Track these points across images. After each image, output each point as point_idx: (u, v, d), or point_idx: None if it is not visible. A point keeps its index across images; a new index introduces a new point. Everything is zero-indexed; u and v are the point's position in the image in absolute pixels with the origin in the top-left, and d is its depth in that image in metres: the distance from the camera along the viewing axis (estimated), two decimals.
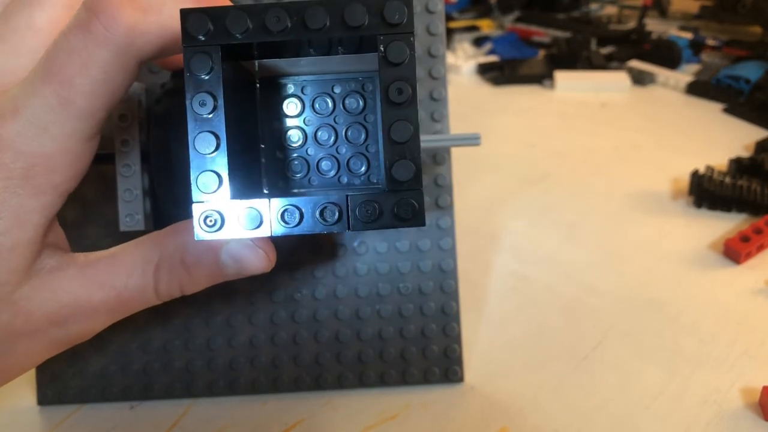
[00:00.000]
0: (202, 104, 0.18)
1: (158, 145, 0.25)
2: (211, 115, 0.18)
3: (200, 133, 0.18)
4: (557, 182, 0.51)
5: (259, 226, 0.18)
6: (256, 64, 0.22)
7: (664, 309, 0.38)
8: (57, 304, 0.20)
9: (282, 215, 0.18)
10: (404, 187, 0.17)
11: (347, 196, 0.18)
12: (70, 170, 0.20)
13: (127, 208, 0.27)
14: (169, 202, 0.25)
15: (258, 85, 0.23)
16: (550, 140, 0.57)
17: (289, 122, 0.23)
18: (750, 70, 0.63)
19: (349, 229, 0.18)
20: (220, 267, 0.21)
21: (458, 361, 0.32)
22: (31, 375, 0.33)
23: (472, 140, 0.29)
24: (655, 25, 0.78)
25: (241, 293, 0.32)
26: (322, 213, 0.18)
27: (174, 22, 0.19)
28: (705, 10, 0.77)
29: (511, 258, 0.42)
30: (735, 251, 0.41)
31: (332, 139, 0.23)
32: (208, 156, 0.18)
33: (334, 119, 0.23)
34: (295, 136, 0.23)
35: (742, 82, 0.62)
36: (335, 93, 0.23)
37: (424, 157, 0.32)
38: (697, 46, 0.72)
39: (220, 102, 0.18)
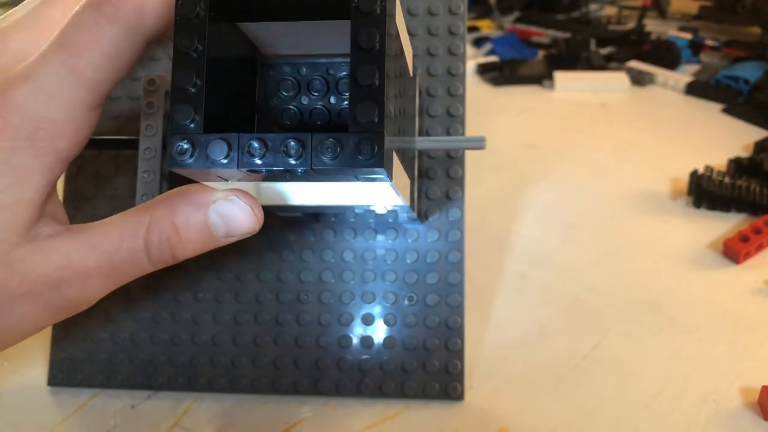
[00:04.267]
0: (186, 46, 0.19)
1: None
2: (194, 55, 0.19)
3: (182, 69, 0.19)
4: (557, 182, 0.51)
5: (227, 158, 0.18)
6: (252, 38, 0.23)
7: (663, 309, 0.38)
8: (52, 266, 0.21)
9: (249, 148, 0.18)
10: (366, 128, 0.18)
11: (311, 134, 0.18)
12: (73, 137, 0.21)
13: (144, 187, 0.29)
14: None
15: (256, 65, 0.24)
16: (549, 140, 0.57)
17: (286, 102, 0.24)
18: (749, 71, 0.63)
19: (311, 167, 0.18)
20: (209, 227, 0.22)
21: (459, 377, 0.32)
22: (45, 356, 0.33)
23: (476, 143, 0.29)
24: (654, 26, 0.78)
25: (250, 292, 0.33)
26: (286, 148, 0.18)
27: None
28: (704, 10, 0.77)
29: (511, 258, 0.42)
30: (734, 251, 0.41)
31: (327, 119, 0.24)
32: (188, 89, 0.19)
33: (329, 100, 0.24)
34: (291, 116, 0.24)
35: (741, 82, 0.63)
36: (329, 75, 0.24)
37: (434, 154, 0.33)
38: (696, 47, 0.72)
39: (204, 47, 0.19)
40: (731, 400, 0.32)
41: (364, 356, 0.32)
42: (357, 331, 0.32)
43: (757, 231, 0.42)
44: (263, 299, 0.33)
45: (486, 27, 0.81)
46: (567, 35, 0.75)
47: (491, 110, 0.63)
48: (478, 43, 0.77)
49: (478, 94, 0.67)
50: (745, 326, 0.36)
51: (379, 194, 0.25)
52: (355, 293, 0.33)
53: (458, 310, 0.32)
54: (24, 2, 0.23)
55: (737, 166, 0.49)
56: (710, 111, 0.61)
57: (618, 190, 0.49)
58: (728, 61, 0.68)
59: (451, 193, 0.33)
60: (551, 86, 0.67)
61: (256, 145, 0.18)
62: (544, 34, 0.78)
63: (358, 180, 0.20)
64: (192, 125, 0.19)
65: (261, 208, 0.23)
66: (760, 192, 0.45)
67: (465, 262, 0.32)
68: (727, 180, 0.46)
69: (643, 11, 0.76)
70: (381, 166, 0.18)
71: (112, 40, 0.20)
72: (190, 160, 0.19)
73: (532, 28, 0.80)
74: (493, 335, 0.36)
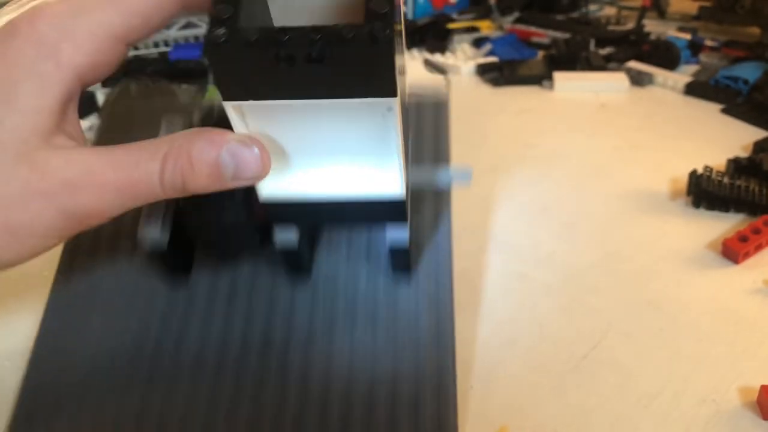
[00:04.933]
0: None
1: None
2: None
3: None
4: (556, 182, 0.51)
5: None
6: None
7: (663, 309, 0.38)
8: (71, 170, 0.22)
9: (276, 33, 0.21)
10: (379, 17, 0.21)
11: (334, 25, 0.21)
12: (91, 57, 0.23)
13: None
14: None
15: None
16: (549, 141, 0.57)
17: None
18: (748, 71, 0.63)
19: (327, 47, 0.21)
20: (219, 165, 0.23)
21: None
22: None
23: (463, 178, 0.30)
24: (653, 26, 0.78)
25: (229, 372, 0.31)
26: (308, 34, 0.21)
27: None
28: (703, 11, 0.77)
29: (510, 258, 0.42)
30: (733, 251, 0.41)
31: None
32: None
33: None
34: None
35: (740, 82, 0.63)
36: None
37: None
38: (695, 47, 0.72)
39: None
40: (730, 400, 0.32)
41: (350, 408, 0.29)
42: (344, 382, 0.30)
43: (756, 231, 0.42)
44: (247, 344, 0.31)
45: (486, 27, 0.81)
46: (566, 36, 0.75)
47: (491, 110, 0.64)
48: (478, 43, 0.77)
49: (477, 95, 0.67)
50: (744, 326, 0.36)
51: (380, 142, 0.25)
52: (341, 347, 0.31)
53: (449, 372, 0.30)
54: None
55: (736, 166, 0.49)
56: (709, 111, 0.61)
57: (617, 190, 0.50)
58: (727, 62, 0.69)
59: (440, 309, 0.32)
60: (551, 86, 0.67)
61: (289, 34, 0.21)
62: (543, 35, 0.78)
63: (366, 95, 0.22)
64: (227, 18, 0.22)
65: (269, 156, 0.24)
66: (759, 192, 0.45)
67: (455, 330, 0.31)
68: (726, 180, 0.46)
69: (642, 12, 0.76)
70: (391, 47, 0.21)
71: None
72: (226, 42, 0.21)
73: (532, 29, 0.80)
74: (493, 335, 0.36)
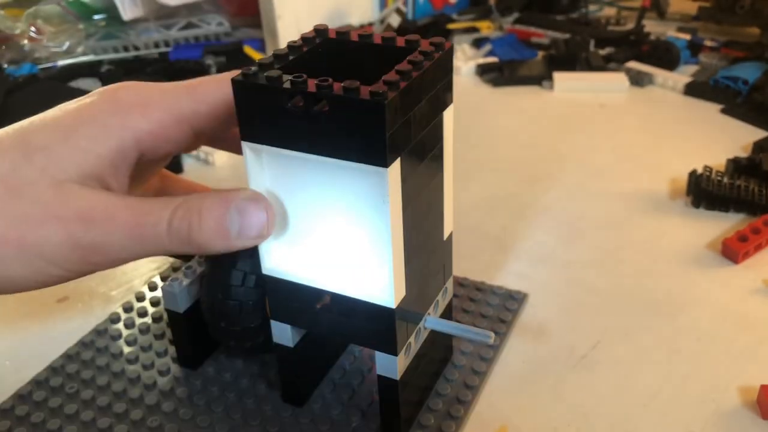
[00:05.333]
0: None
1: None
2: None
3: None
4: (556, 182, 0.51)
5: None
6: None
7: (662, 308, 0.38)
8: (89, 204, 0.25)
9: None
10: (389, 84, 0.22)
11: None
12: (155, 127, 0.26)
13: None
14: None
15: None
16: (549, 141, 0.57)
17: None
18: (748, 71, 0.63)
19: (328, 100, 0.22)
20: (225, 220, 0.25)
21: None
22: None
23: (482, 337, 0.28)
24: (653, 27, 0.78)
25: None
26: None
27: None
28: (703, 11, 0.77)
29: (510, 258, 0.42)
30: (733, 251, 0.41)
31: None
32: None
33: None
34: None
35: (740, 82, 0.63)
36: None
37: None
38: (695, 47, 0.72)
39: None
40: (730, 400, 0.32)
41: None
42: None
43: (756, 231, 0.42)
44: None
45: (485, 28, 0.81)
46: (566, 36, 0.75)
47: (491, 111, 0.64)
48: (478, 43, 0.77)
49: (477, 95, 0.67)
50: (743, 326, 0.36)
51: (370, 222, 0.24)
52: None
53: None
54: None
55: (736, 166, 0.49)
56: (709, 111, 0.61)
57: (617, 190, 0.50)
58: (727, 62, 0.69)
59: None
60: (550, 87, 0.67)
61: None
62: (543, 35, 0.78)
63: (357, 159, 0.22)
64: None
65: (275, 218, 0.25)
66: (759, 192, 0.45)
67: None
68: (725, 180, 0.46)
69: (642, 12, 0.76)
70: (382, 112, 0.21)
71: (226, 93, 0.26)
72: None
73: (532, 29, 0.80)
74: None
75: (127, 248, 0.25)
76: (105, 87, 0.27)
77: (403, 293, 0.26)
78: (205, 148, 0.51)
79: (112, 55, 0.73)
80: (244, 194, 0.25)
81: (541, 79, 0.68)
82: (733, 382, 0.33)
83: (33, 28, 0.72)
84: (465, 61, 0.72)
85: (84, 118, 0.25)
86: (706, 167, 0.48)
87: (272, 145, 0.24)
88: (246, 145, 0.24)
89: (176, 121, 0.26)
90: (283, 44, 0.47)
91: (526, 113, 0.63)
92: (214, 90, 0.27)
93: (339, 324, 0.27)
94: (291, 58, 0.25)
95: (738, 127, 0.58)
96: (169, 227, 0.25)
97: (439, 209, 0.28)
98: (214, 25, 0.77)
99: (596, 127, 0.59)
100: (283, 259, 0.27)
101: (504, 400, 0.32)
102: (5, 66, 0.68)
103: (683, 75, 0.67)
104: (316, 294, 0.27)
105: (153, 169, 0.31)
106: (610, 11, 0.87)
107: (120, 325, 0.37)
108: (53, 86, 0.64)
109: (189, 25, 0.77)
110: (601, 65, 0.69)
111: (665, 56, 0.70)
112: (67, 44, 0.72)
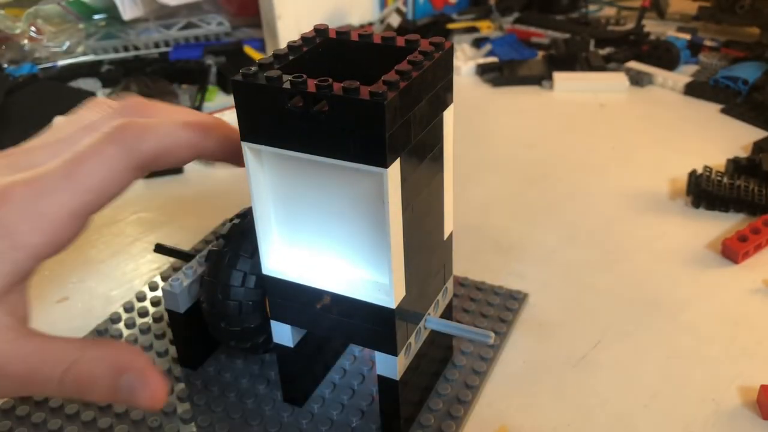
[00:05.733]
0: None
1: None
2: None
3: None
4: (556, 182, 0.51)
5: None
6: None
7: (662, 308, 0.38)
8: None
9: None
10: (389, 84, 0.22)
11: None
12: (49, 235, 0.23)
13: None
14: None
15: None
16: (549, 141, 0.57)
17: None
18: (748, 71, 0.63)
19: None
20: (117, 388, 0.24)
21: None
22: None
23: (482, 337, 0.28)
24: (653, 27, 0.78)
25: None
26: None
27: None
28: (703, 11, 0.77)
29: (510, 258, 0.43)
30: (733, 251, 0.41)
31: None
32: None
33: None
34: None
35: (740, 82, 0.63)
36: None
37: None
38: (695, 47, 0.72)
39: None
40: (730, 400, 0.32)
41: None
42: None
43: (756, 231, 0.42)
44: None
45: (485, 28, 0.81)
46: (566, 36, 0.75)
47: (491, 110, 0.64)
48: (478, 43, 0.77)
49: (477, 95, 0.67)
50: (743, 326, 0.36)
51: (371, 220, 0.24)
52: None
53: None
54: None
55: (736, 166, 0.49)
56: (709, 111, 0.61)
57: (617, 190, 0.50)
58: (727, 62, 0.69)
59: None
60: (550, 87, 0.67)
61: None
62: (543, 35, 0.78)
63: (357, 160, 0.22)
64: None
65: (166, 393, 0.24)
66: (759, 192, 0.45)
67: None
68: (725, 180, 0.46)
69: (642, 12, 0.76)
70: (382, 111, 0.21)
71: (113, 170, 0.24)
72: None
73: (532, 29, 0.80)
74: None
75: (13, 391, 0.25)
76: None
77: (403, 293, 0.26)
78: None
79: (112, 55, 0.73)
80: (142, 362, 0.24)
81: (541, 79, 0.68)
82: (733, 382, 0.33)
83: (33, 28, 0.72)
84: (465, 61, 0.72)
85: None
86: (706, 167, 0.48)
87: (272, 146, 0.24)
88: (246, 146, 0.24)
89: (69, 220, 0.24)
90: (283, 44, 0.47)
91: (526, 113, 0.63)
92: (96, 173, 0.24)
93: (339, 324, 0.27)
94: (291, 58, 0.25)
95: (738, 127, 0.58)
96: (60, 385, 0.24)
97: (439, 209, 0.28)
98: (214, 25, 0.77)
99: (596, 127, 0.59)
100: (283, 260, 0.27)
101: (504, 400, 0.32)
102: (5, 66, 0.68)
103: (683, 75, 0.67)
104: (316, 294, 0.27)
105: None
106: (610, 11, 0.87)
107: (120, 325, 0.37)
108: (53, 86, 0.64)
109: (189, 25, 0.77)
110: (601, 65, 0.69)
111: (665, 56, 0.70)
112: (67, 44, 0.72)
